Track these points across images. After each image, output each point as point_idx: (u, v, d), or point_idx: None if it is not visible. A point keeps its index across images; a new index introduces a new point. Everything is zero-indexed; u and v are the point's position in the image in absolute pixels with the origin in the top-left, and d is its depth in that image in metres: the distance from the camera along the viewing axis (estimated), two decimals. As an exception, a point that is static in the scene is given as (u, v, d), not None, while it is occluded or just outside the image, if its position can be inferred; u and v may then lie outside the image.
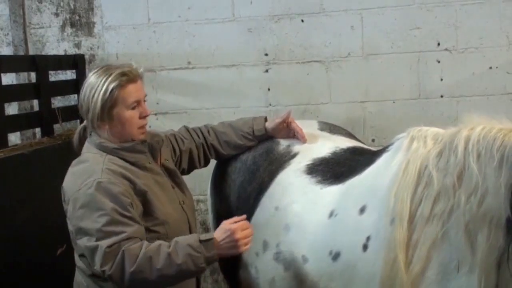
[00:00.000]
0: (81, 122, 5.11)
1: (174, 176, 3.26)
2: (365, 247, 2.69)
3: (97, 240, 2.74)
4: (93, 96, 2.95)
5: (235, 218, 2.87)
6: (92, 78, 3.00)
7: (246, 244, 2.81)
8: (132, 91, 2.98)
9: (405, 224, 2.51)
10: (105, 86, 2.93)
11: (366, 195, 2.82)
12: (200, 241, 2.77)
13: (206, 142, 3.60)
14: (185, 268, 2.73)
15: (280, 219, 3.13)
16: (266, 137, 3.64)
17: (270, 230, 3.17)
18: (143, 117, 3.03)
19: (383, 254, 2.57)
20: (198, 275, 2.96)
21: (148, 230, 2.93)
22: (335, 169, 3.17)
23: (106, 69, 3.00)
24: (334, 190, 3.02)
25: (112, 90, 2.93)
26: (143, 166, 3.06)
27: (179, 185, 3.26)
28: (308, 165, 3.29)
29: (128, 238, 2.75)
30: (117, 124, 2.99)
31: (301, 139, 3.55)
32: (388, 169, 2.76)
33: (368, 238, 2.69)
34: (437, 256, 2.46)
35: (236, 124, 3.68)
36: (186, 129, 3.64)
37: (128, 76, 2.97)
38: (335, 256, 2.81)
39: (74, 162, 3.05)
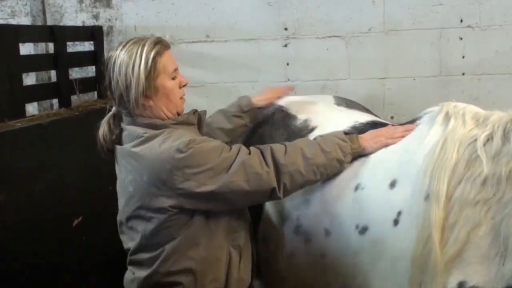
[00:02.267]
0: (99, 94, 5.19)
1: None
2: (395, 222, 2.63)
3: (231, 168, 2.68)
4: (132, 70, 2.71)
5: None
6: (121, 55, 2.75)
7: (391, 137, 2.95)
8: (170, 58, 2.82)
9: (441, 203, 2.45)
10: (144, 57, 2.71)
11: (396, 169, 2.76)
12: (345, 133, 2.98)
13: None
14: (333, 156, 2.86)
15: (299, 193, 3.08)
16: (255, 113, 3.54)
17: (289, 203, 3.14)
18: (182, 86, 2.87)
19: (416, 231, 2.52)
20: (342, 169, 2.93)
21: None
22: None
23: (135, 42, 2.78)
24: (358, 163, 2.97)
25: (153, 58, 2.72)
26: None
27: None
28: None
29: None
30: (162, 97, 2.79)
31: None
32: (422, 144, 2.70)
33: (399, 213, 2.63)
34: (478, 241, 2.39)
35: (224, 109, 3.55)
36: None
37: (163, 43, 2.80)
38: (362, 230, 2.76)
39: (136, 143, 2.76)
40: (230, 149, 2.75)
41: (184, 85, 2.89)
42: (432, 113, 2.85)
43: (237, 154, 2.72)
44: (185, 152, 2.62)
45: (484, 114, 2.62)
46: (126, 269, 3.04)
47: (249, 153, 2.75)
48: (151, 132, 2.74)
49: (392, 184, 2.72)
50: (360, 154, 2.96)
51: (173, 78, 2.82)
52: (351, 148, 2.90)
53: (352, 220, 2.83)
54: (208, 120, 3.39)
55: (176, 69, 2.84)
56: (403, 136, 2.93)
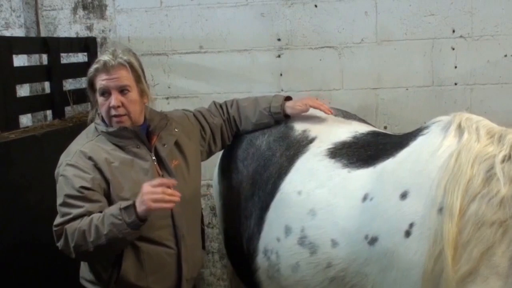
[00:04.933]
0: (92, 105, 5.18)
1: (165, 163, 3.27)
2: (407, 233, 2.62)
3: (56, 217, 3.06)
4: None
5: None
6: None
7: (153, 200, 2.84)
8: (100, 80, 3.13)
9: (455, 218, 2.44)
10: (88, 72, 3.20)
11: (407, 180, 2.74)
12: (121, 209, 2.92)
13: (229, 116, 3.69)
14: (112, 236, 2.90)
15: (303, 204, 3.10)
16: (282, 117, 3.63)
17: (293, 215, 3.14)
18: (111, 107, 3.12)
19: (428, 246, 2.51)
20: (130, 240, 3.01)
21: None
22: (360, 153, 3.12)
23: (101, 53, 3.29)
24: (364, 174, 2.97)
25: (89, 76, 3.19)
26: (130, 150, 3.19)
27: (171, 173, 3.25)
28: (329, 149, 3.26)
29: (74, 218, 2.97)
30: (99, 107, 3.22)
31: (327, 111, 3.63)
32: (434, 156, 2.69)
33: (411, 225, 2.61)
34: (495, 259, 2.40)
35: (259, 99, 3.72)
36: (215, 104, 3.74)
37: (99, 65, 3.13)
38: (372, 241, 2.75)
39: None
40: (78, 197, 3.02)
41: (112, 107, 3.12)
42: (441, 122, 2.84)
43: (66, 219, 2.99)
44: (56, 169, 3.17)
45: (499, 131, 2.62)
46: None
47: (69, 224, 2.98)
48: (85, 131, 3.30)
49: (404, 195, 2.70)
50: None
51: (104, 96, 3.15)
52: (127, 225, 2.89)
53: (361, 230, 2.81)
54: (243, 104, 3.74)
55: (105, 89, 3.12)
56: None
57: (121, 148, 3.18)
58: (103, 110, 3.17)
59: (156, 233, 3.18)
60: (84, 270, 3.30)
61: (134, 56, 3.26)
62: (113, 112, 3.13)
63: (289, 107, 3.63)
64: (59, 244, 3.02)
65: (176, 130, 3.39)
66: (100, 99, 3.16)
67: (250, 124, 3.68)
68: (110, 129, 3.18)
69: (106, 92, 3.13)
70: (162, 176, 3.21)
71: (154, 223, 3.12)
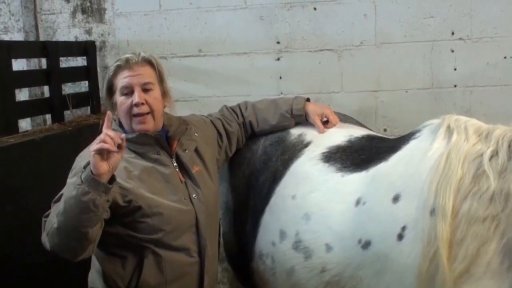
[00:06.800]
0: (92, 109, 5.19)
1: (187, 169, 3.15)
2: (400, 237, 2.61)
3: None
4: (103, 85, 3.18)
5: None
6: None
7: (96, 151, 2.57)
8: (122, 77, 3.02)
9: (448, 218, 2.44)
10: (107, 75, 3.09)
11: (399, 183, 2.74)
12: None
13: (244, 119, 3.59)
14: (69, 196, 2.65)
15: (298, 208, 3.09)
16: (304, 119, 3.56)
17: (287, 219, 3.12)
18: (134, 104, 2.98)
19: (422, 247, 2.51)
20: (93, 206, 2.60)
21: (136, 221, 2.93)
22: (354, 157, 3.11)
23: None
24: (357, 178, 2.96)
25: (108, 76, 3.08)
26: (150, 157, 3.05)
27: (193, 179, 3.14)
28: (324, 153, 3.24)
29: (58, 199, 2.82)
30: (117, 110, 3.06)
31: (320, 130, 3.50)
32: (425, 158, 2.69)
33: (403, 228, 2.61)
34: (488, 256, 2.39)
35: (278, 101, 3.66)
36: (228, 109, 3.64)
37: (121, 62, 3.03)
38: (365, 245, 2.74)
39: None
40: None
41: (135, 104, 2.98)
42: (431, 125, 2.84)
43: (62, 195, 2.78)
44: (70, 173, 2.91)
45: (486, 128, 2.62)
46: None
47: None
48: None
49: (396, 198, 2.70)
50: None
51: (125, 95, 3.01)
52: (81, 181, 2.65)
53: (354, 234, 2.80)
54: (260, 106, 3.64)
55: (128, 86, 3.00)
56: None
57: (141, 155, 3.03)
58: (122, 110, 3.02)
59: (179, 241, 3.04)
60: (96, 279, 3.12)
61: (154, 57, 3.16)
62: (135, 110, 2.99)
63: (310, 111, 3.55)
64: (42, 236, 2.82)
65: (196, 134, 3.29)
66: (120, 98, 3.02)
67: (268, 127, 3.58)
68: (130, 136, 2.99)
69: (128, 90, 3.00)
70: (185, 182, 3.11)
71: (178, 231, 3.03)
